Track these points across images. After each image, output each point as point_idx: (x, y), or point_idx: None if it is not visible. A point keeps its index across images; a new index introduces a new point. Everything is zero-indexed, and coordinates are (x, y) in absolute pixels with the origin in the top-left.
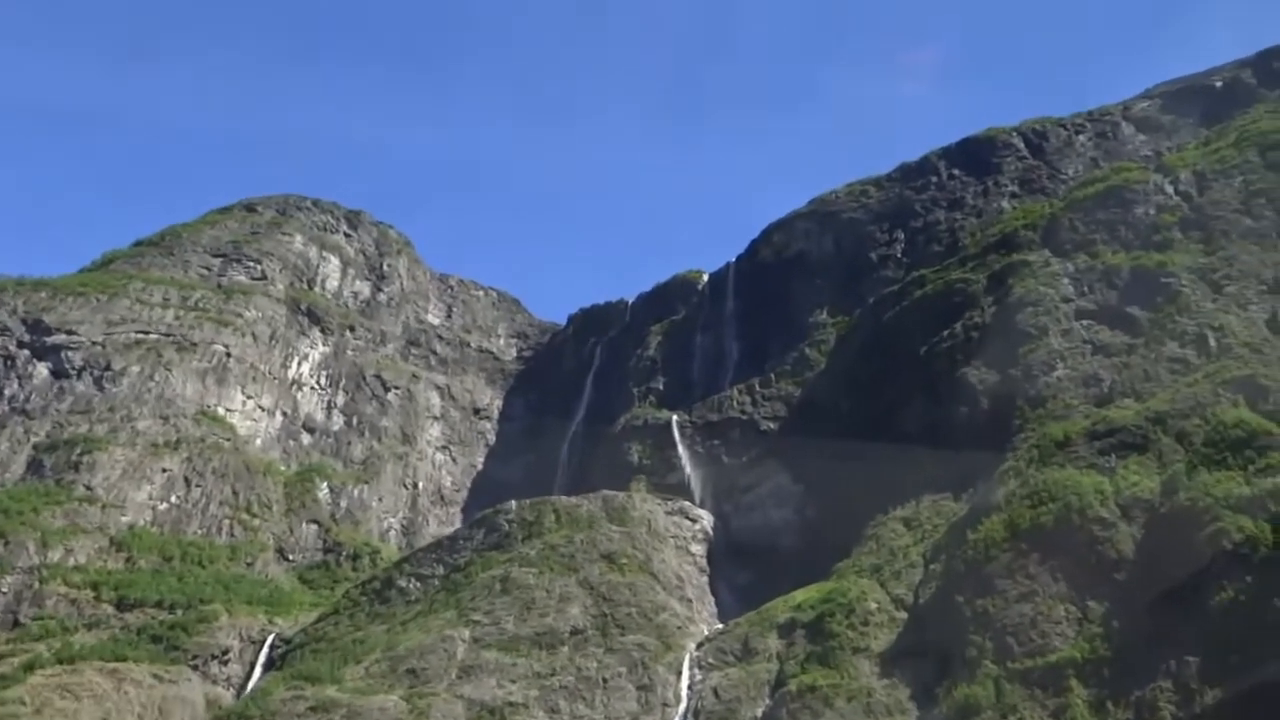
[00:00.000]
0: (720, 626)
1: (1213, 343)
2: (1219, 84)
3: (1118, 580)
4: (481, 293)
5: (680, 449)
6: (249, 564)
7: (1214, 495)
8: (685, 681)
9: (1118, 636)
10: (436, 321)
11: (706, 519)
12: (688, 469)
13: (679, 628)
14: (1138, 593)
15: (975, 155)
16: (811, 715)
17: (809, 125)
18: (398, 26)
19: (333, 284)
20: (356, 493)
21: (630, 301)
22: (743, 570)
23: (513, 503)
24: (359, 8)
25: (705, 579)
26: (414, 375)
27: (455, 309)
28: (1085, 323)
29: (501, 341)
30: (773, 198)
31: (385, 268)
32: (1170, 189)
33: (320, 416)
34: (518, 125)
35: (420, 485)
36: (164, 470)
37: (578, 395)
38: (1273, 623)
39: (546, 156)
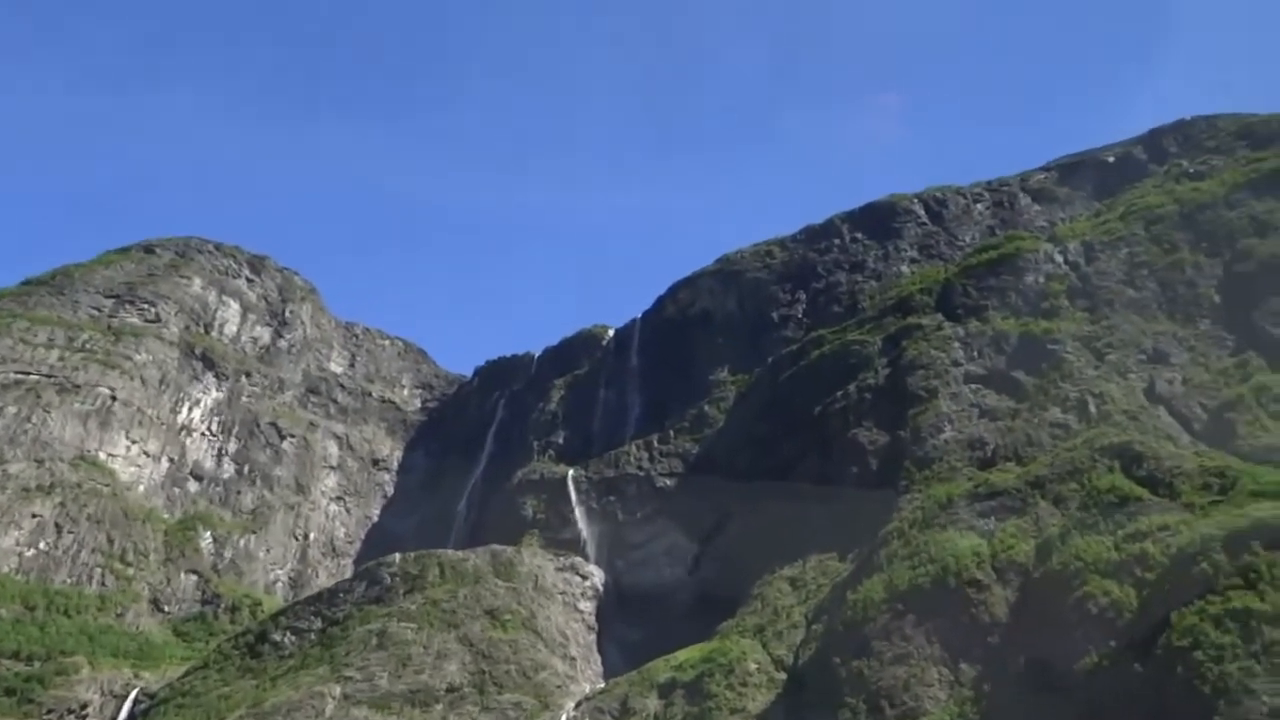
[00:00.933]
0: (601, 686)
1: (1093, 409)
2: (1112, 159)
3: (990, 644)
4: (387, 342)
5: (575, 504)
6: (119, 614)
7: (1084, 560)
8: None
9: (987, 700)
10: (339, 370)
11: (598, 575)
12: (582, 525)
13: (559, 687)
14: (1009, 656)
15: (877, 220)
16: None
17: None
18: (314, 72)
19: (231, 329)
20: (243, 543)
21: (536, 355)
22: (633, 628)
23: (396, 555)
24: (274, 53)
25: (593, 636)
26: (311, 424)
27: (359, 358)
28: (973, 386)
29: (405, 392)
30: (691, 252)
31: (288, 314)
32: (1060, 258)
33: (210, 464)
34: (435, 176)
35: (312, 536)
36: (34, 515)
37: (479, 448)
38: (1135, 690)
39: (465, 207)
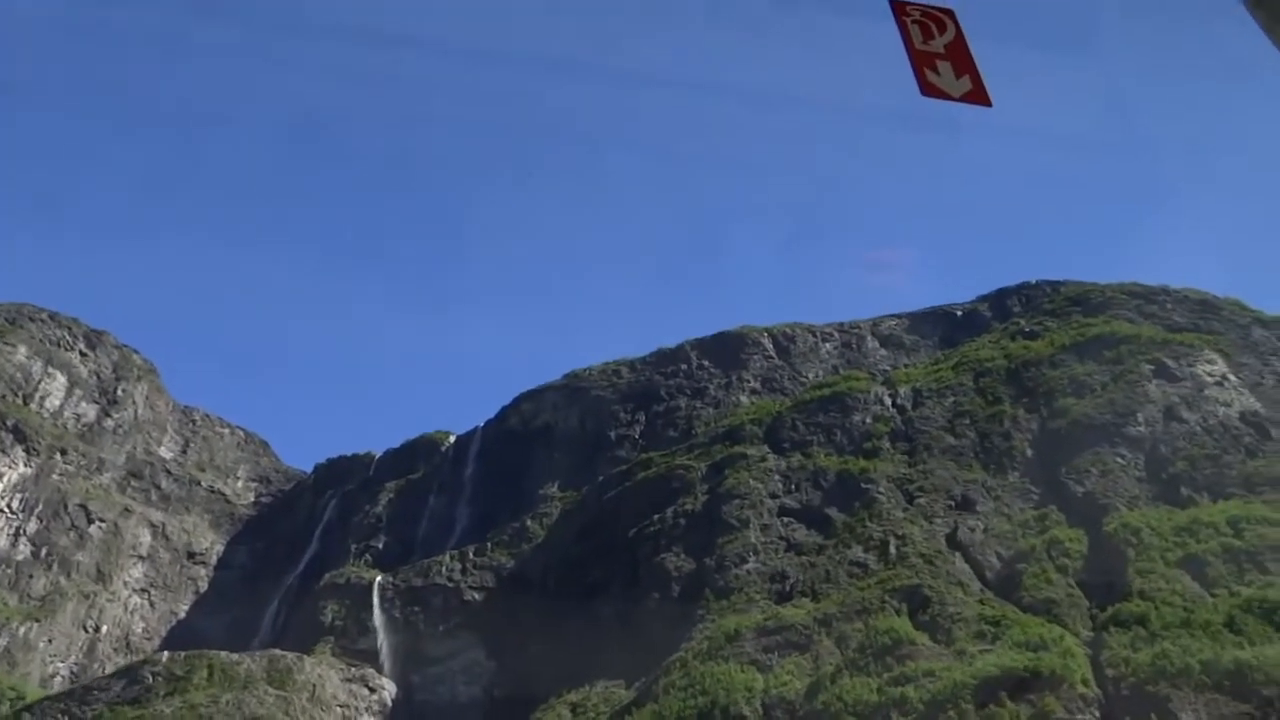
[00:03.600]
0: None
1: (893, 550)
2: (960, 313)
3: None
4: (227, 430)
5: (377, 612)
6: None
7: (845, 700)
8: None
9: None
10: (169, 455)
11: (389, 689)
12: (381, 634)
13: None
14: None
15: (726, 349)
16: None
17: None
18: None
19: (53, 402)
20: (23, 631)
21: (377, 456)
22: None
23: (164, 654)
24: (125, 132)
25: None
26: (126, 509)
27: (193, 444)
28: (786, 520)
29: (240, 484)
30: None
31: (119, 393)
32: (889, 401)
33: (3, 543)
34: (299, 269)
35: (104, 629)
36: None
37: (303, 548)
38: None
39: (330, 299)
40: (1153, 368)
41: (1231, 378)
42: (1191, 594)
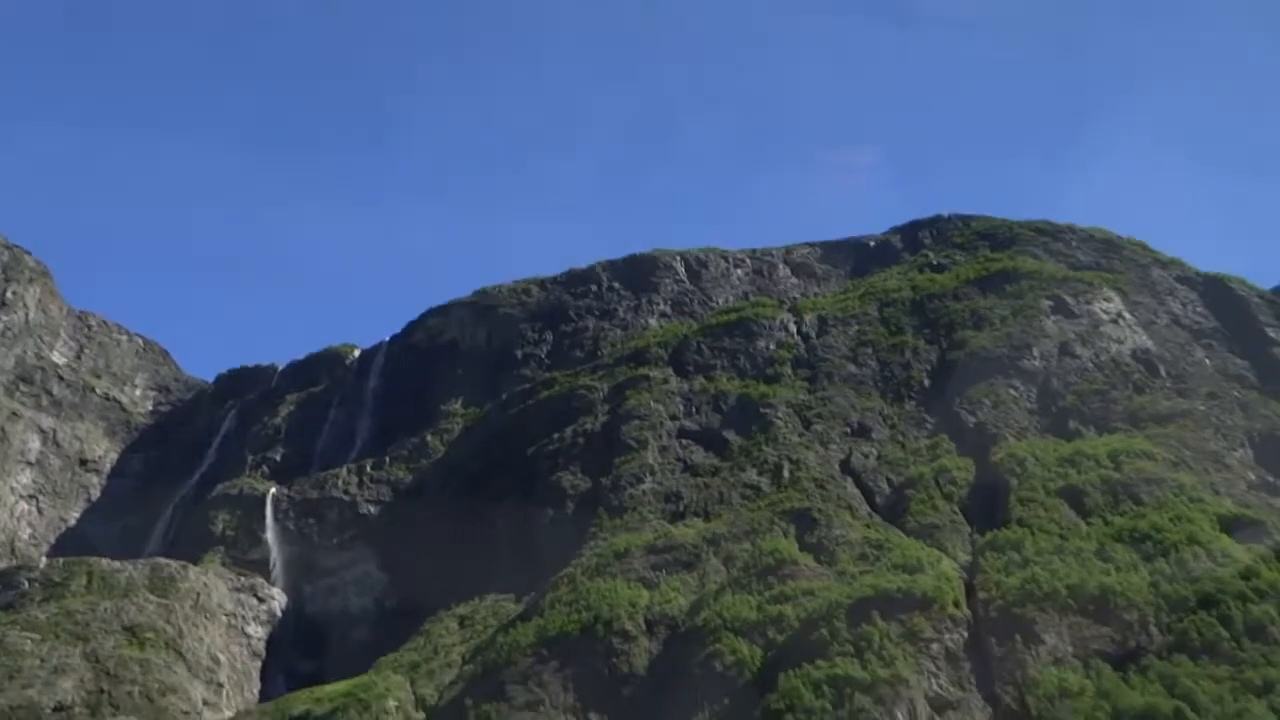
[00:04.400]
0: (229, 715)
1: (786, 474)
2: (872, 244)
3: (623, 695)
4: (125, 337)
5: (269, 524)
6: None
7: (724, 618)
8: None
9: None
10: (61, 361)
11: (279, 600)
12: (273, 546)
13: (186, 712)
14: (638, 709)
15: (638, 272)
16: None
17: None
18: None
19: None
20: None
21: (280, 368)
22: (309, 658)
23: (43, 560)
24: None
25: (258, 663)
26: (14, 414)
27: (89, 350)
28: (684, 442)
29: (138, 392)
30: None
31: (9, 295)
32: (794, 328)
33: None
34: (204, 160)
35: None
36: None
37: (201, 458)
38: None
39: (228, 202)
40: (1051, 304)
41: (1127, 316)
42: (1068, 522)
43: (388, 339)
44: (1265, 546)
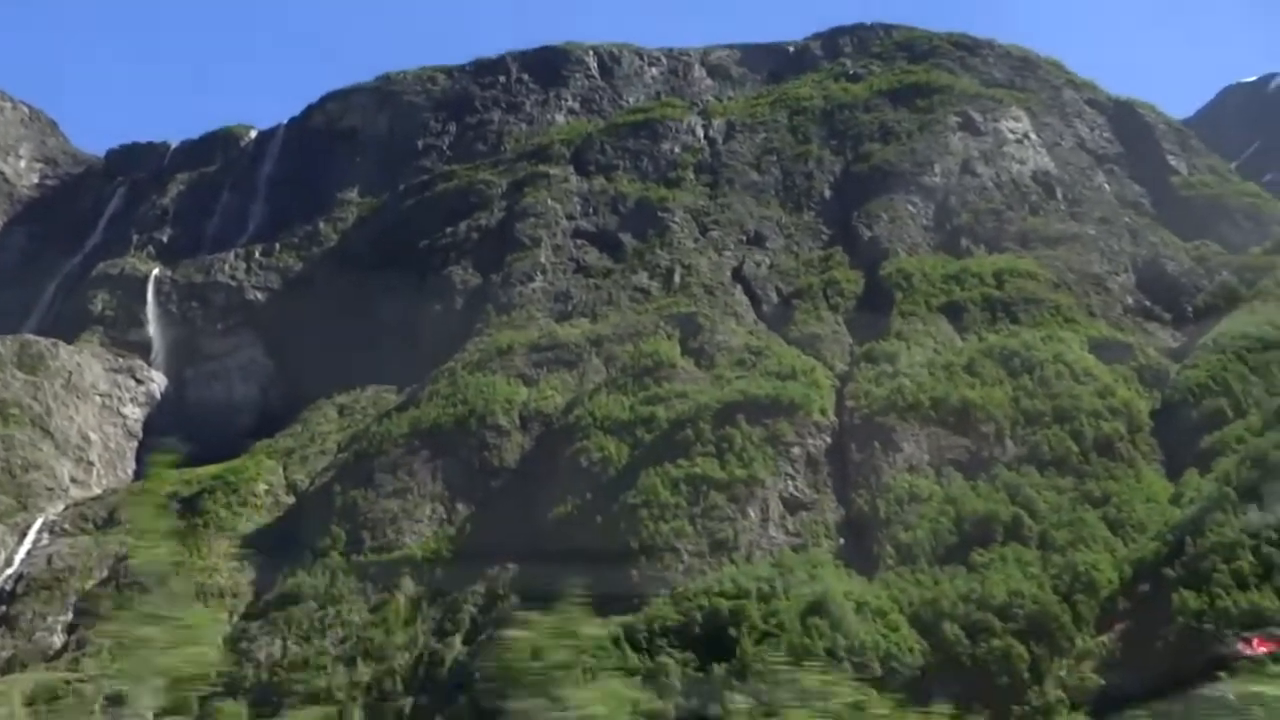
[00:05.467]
0: (98, 493)
1: (677, 279)
2: (792, 50)
3: (491, 487)
4: (9, 105)
5: (150, 306)
6: None
7: (596, 416)
8: (27, 546)
9: (468, 541)
10: None
11: (158, 383)
12: (153, 327)
13: (50, 489)
14: (506, 502)
15: (548, 65)
16: (137, 590)
17: None
18: None
19: None
20: None
21: (173, 146)
22: (188, 443)
23: None
24: None
25: (134, 444)
26: None
27: None
28: (579, 242)
29: (22, 164)
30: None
31: None
32: (701, 132)
33: None
34: None
35: None
36: None
37: (87, 235)
38: (590, 540)
39: None
40: (959, 120)
41: (1033, 136)
42: (944, 338)
43: (285, 122)
44: (1129, 368)
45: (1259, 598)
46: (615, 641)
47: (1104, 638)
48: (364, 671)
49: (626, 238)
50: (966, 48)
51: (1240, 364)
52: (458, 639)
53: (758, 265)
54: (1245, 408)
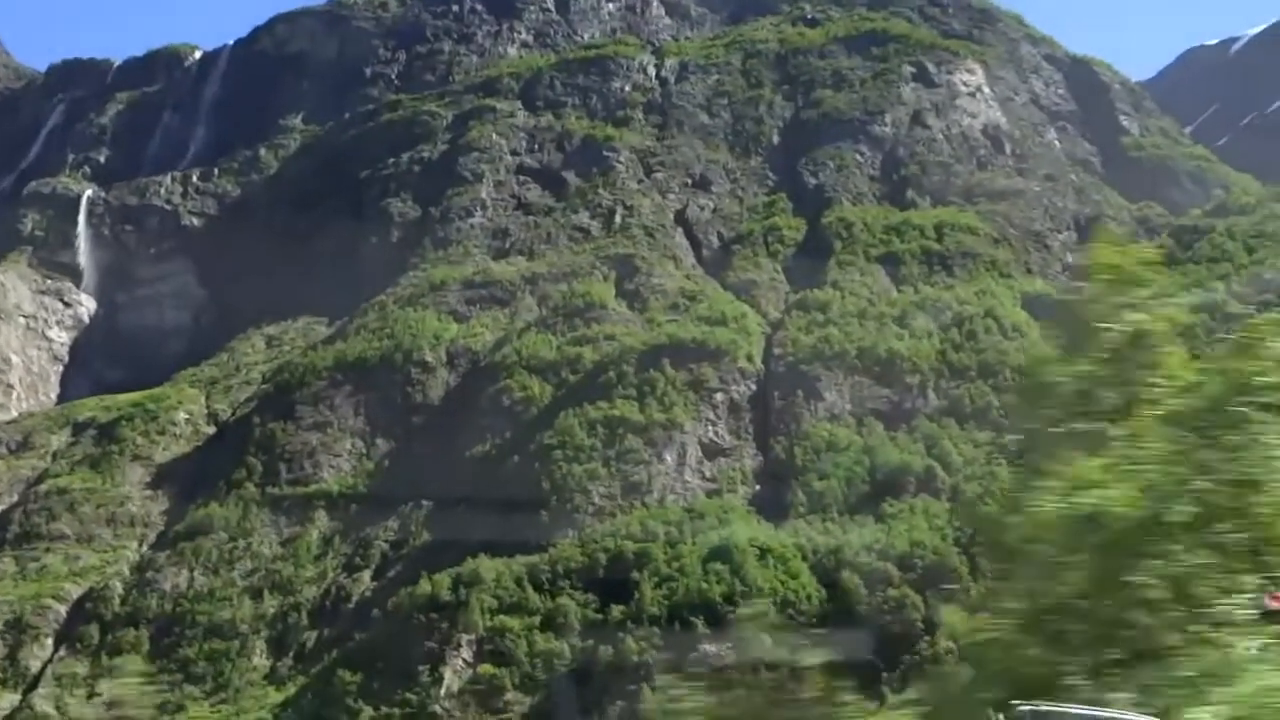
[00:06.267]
0: (14, 416)
1: (618, 219)
2: None
3: (413, 423)
4: None
5: (82, 227)
6: None
7: (522, 355)
8: None
9: (383, 477)
10: None
11: (87, 307)
12: (84, 250)
13: None
14: (427, 438)
15: None
16: (49, 518)
17: None
18: None
19: None
20: None
21: (116, 64)
22: (116, 367)
23: None
24: None
25: (59, 368)
26: None
27: None
28: (522, 179)
29: None
30: None
31: None
32: (653, 71)
33: None
34: None
35: None
36: None
37: (24, 152)
38: (509, 483)
39: None
40: (913, 70)
41: (986, 90)
42: (880, 288)
43: (231, 43)
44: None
45: None
46: (518, 582)
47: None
48: (270, 604)
49: (570, 176)
50: None
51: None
52: (367, 575)
53: (701, 209)
54: None
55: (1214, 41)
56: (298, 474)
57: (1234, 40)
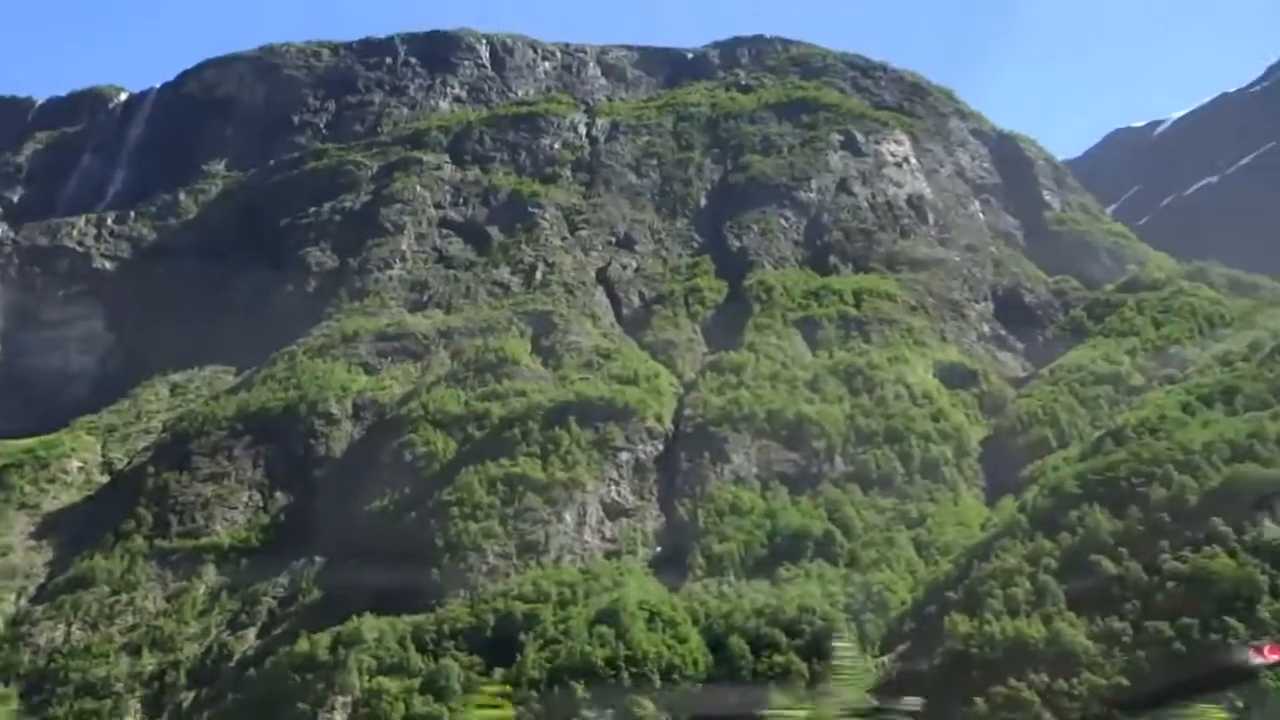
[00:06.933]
0: None
1: (538, 276)
2: (690, 56)
3: (314, 477)
4: None
5: None
6: None
7: (429, 409)
8: None
9: (276, 530)
10: None
11: None
12: None
13: None
14: (327, 492)
15: (438, 49)
16: None
17: None
18: None
19: None
20: None
21: (39, 102)
22: (13, 410)
23: None
24: None
25: None
26: None
27: None
28: (444, 232)
29: None
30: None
31: None
32: (584, 130)
33: None
34: None
35: None
36: None
37: None
38: (388, 545)
39: None
40: (842, 139)
41: (913, 161)
42: (795, 352)
43: (158, 86)
44: (971, 394)
45: (1025, 625)
46: (400, 641)
47: (885, 658)
48: (148, 661)
49: (494, 231)
50: (860, 68)
51: (1071, 396)
52: (252, 633)
53: (624, 268)
54: (1068, 438)
55: (1140, 123)
56: (189, 526)
57: (1159, 123)
